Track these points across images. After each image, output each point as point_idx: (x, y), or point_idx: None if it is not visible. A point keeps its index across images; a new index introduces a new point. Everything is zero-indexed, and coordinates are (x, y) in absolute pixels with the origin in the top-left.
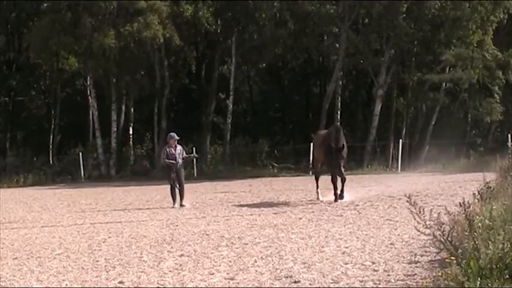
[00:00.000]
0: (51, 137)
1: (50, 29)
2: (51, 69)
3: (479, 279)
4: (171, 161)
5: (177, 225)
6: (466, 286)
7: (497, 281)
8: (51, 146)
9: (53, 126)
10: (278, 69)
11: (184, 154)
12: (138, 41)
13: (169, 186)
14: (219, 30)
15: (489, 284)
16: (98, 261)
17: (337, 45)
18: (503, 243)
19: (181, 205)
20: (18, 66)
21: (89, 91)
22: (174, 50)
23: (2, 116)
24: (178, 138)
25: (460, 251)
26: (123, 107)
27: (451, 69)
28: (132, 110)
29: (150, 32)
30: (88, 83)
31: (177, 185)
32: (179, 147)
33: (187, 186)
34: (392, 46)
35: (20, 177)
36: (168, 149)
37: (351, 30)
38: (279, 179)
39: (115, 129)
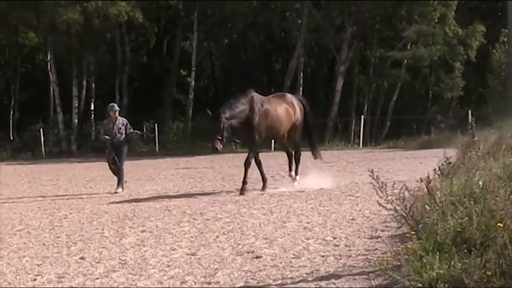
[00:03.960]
0: (11, 112)
1: (9, 4)
2: (10, 44)
3: (438, 253)
4: (105, 136)
5: (138, 201)
6: (425, 260)
7: (455, 255)
8: (11, 122)
9: (12, 101)
10: (240, 46)
11: (130, 129)
12: (103, 17)
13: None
14: (180, 6)
15: (448, 258)
16: (59, 237)
17: (299, 21)
18: (462, 218)
19: (115, 191)
20: None
21: (49, 66)
22: (135, 26)
23: None
24: (117, 109)
25: (420, 225)
26: (84, 83)
27: (413, 45)
28: (93, 85)
29: (116, 8)
30: (48, 58)
31: (113, 164)
32: (121, 120)
33: (150, 162)
34: (354, 22)
35: None
36: (106, 122)
37: (313, 6)
38: (241, 155)
39: (76, 105)
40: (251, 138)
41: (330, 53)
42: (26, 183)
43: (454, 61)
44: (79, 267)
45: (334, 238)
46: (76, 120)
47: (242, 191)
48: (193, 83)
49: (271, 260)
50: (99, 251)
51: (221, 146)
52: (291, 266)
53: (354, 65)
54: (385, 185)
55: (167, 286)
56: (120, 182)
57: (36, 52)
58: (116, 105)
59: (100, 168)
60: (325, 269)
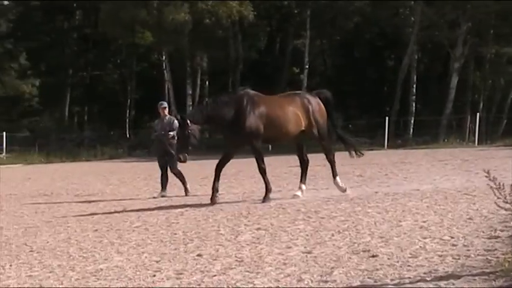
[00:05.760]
0: (127, 110)
1: (120, 3)
2: (126, 43)
3: None
4: (155, 134)
5: (253, 199)
6: None
7: None
8: (127, 120)
9: (128, 100)
10: (352, 43)
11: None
12: (214, 17)
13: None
14: (294, 5)
15: None
16: (175, 234)
17: (412, 18)
18: None
19: (185, 193)
20: (95, 41)
21: (164, 65)
22: (248, 24)
23: (80, 90)
24: (166, 106)
25: None
26: (198, 81)
27: None
28: (207, 83)
29: (226, 8)
30: (163, 57)
31: (165, 169)
32: (168, 119)
33: None
34: (469, 18)
35: (97, 151)
36: (157, 122)
37: (425, 3)
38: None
39: (190, 103)
40: (248, 145)
41: (443, 49)
42: (142, 180)
43: None
44: (196, 264)
45: (452, 237)
46: None
47: (265, 199)
48: (305, 80)
49: (388, 259)
50: (215, 248)
51: (186, 155)
52: (408, 266)
53: (468, 62)
54: (503, 184)
55: (284, 284)
56: (163, 186)
57: (151, 51)
58: (164, 103)
59: (214, 166)
60: (444, 269)
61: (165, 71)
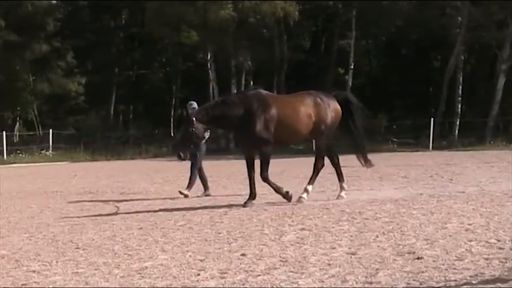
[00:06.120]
0: (172, 109)
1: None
2: (172, 42)
3: None
4: None
5: (297, 199)
6: None
7: None
8: (171, 119)
9: (173, 99)
10: (397, 43)
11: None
12: (259, 14)
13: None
14: (340, 6)
15: None
16: (220, 233)
17: (459, 18)
18: None
19: (182, 193)
20: (141, 40)
21: (209, 65)
22: (293, 24)
23: (125, 89)
24: (195, 107)
25: None
26: (243, 81)
27: None
28: (251, 83)
29: (270, 6)
30: (208, 57)
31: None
32: None
33: (306, 161)
34: None
35: (142, 149)
36: None
37: (472, 4)
38: (398, 154)
39: None
40: (257, 149)
41: (491, 50)
42: (186, 179)
43: None
44: (240, 263)
45: (498, 241)
46: None
47: (290, 199)
48: (350, 81)
49: (433, 261)
50: (259, 248)
51: (187, 154)
52: (454, 268)
53: None
54: None
55: (328, 285)
56: (205, 186)
57: (197, 51)
58: (194, 103)
59: (258, 166)
60: (490, 272)
61: (209, 71)
